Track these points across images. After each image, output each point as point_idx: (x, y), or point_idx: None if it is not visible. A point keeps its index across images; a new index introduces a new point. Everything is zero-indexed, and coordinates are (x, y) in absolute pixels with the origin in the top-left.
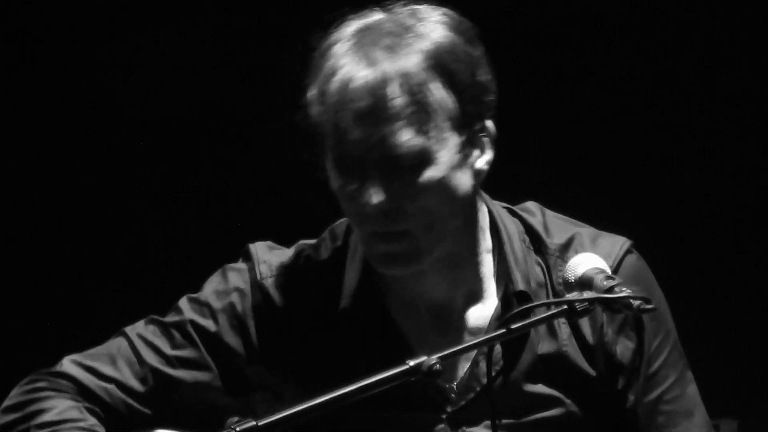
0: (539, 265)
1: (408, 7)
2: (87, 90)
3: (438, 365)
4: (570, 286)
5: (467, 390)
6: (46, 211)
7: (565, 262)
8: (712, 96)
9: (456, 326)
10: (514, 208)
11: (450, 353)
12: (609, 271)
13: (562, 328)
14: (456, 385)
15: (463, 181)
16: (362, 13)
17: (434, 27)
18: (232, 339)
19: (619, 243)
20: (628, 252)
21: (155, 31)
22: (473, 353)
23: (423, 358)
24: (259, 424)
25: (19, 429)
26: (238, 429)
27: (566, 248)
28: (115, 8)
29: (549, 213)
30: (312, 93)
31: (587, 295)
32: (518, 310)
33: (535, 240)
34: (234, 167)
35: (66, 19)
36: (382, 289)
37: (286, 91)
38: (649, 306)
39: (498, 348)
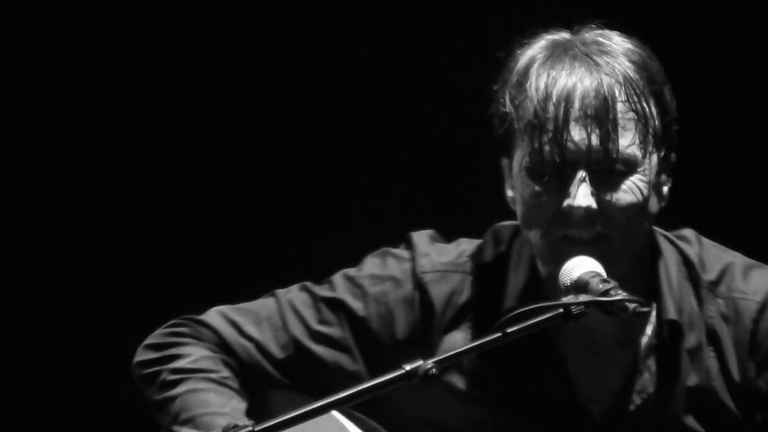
0: (694, 296)
1: (594, 31)
2: (86, 90)
3: (434, 369)
4: (566, 290)
5: (613, 417)
6: (46, 212)
7: (717, 297)
8: (712, 96)
9: (607, 349)
10: (671, 235)
11: (446, 357)
12: (604, 274)
13: (711, 362)
14: (602, 409)
15: (653, 201)
16: (553, 31)
17: (630, 46)
18: (378, 326)
19: None
20: None
21: (155, 32)
22: (619, 380)
23: (419, 362)
24: (256, 429)
25: (154, 369)
26: None
27: (718, 283)
28: (115, 8)
29: (705, 242)
30: (512, 97)
31: (583, 298)
32: (513, 314)
33: (691, 270)
34: (234, 167)
35: (65, 19)
36: (543, 298)
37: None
38: (644, 309)
39: (647, 376)
